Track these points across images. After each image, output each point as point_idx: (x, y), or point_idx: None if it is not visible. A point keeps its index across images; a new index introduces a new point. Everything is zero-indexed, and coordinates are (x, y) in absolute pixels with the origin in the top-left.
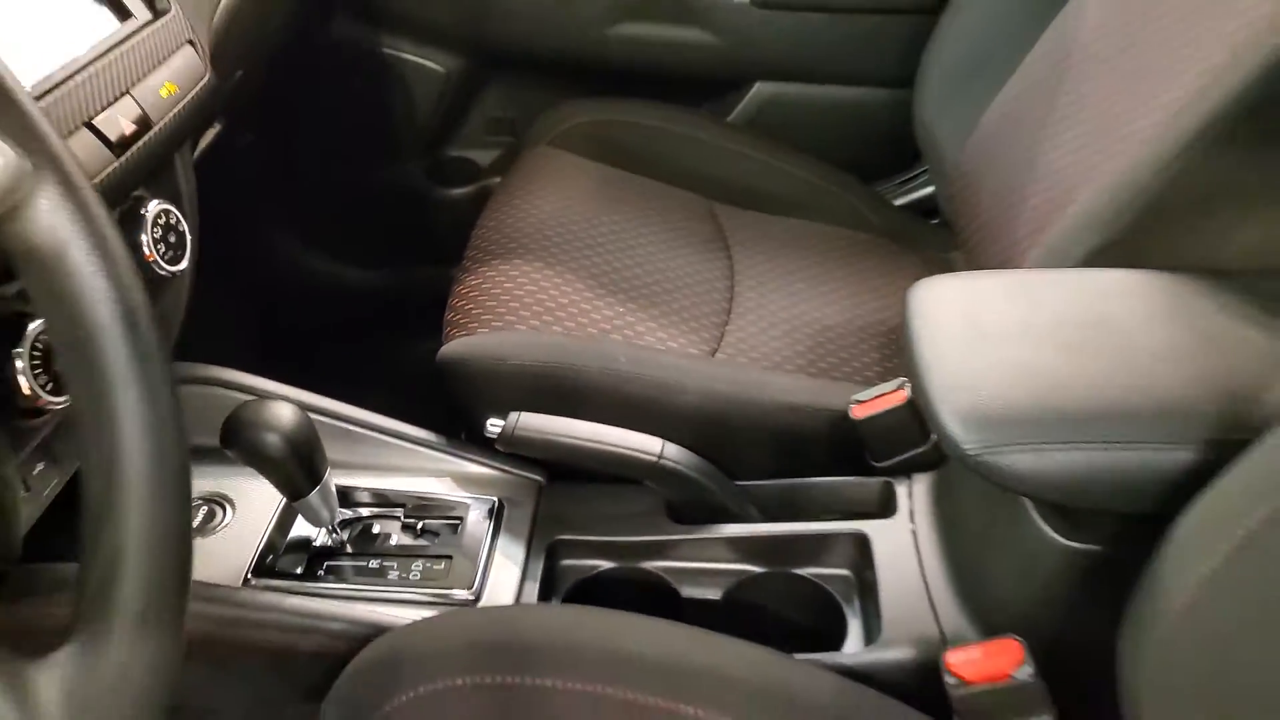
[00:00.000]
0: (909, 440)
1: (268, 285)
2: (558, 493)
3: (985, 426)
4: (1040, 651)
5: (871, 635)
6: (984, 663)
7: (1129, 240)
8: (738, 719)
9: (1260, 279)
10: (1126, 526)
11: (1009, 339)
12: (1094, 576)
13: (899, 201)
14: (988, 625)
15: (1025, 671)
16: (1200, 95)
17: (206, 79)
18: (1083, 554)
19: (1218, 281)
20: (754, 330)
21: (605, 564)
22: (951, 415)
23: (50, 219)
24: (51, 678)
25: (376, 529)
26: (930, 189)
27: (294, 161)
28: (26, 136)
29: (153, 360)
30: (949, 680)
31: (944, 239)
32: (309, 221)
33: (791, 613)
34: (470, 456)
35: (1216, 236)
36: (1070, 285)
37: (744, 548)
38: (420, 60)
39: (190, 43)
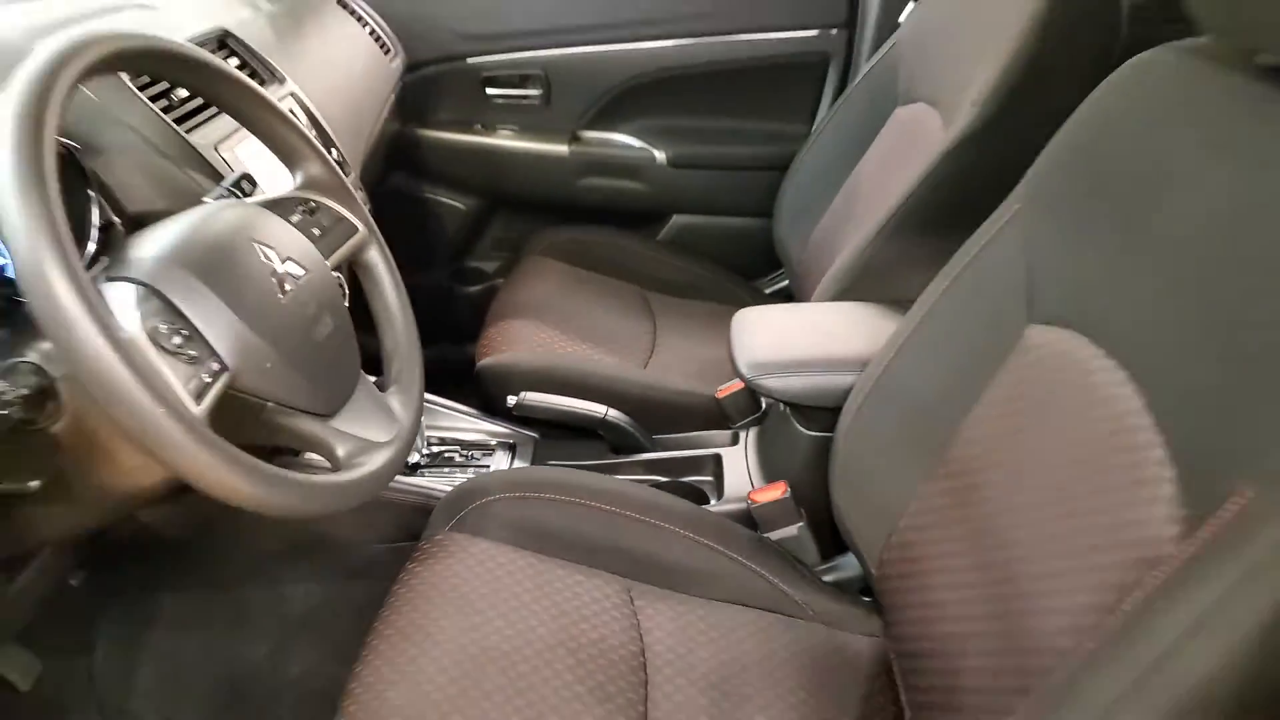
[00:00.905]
0: (749, 409)
1: None
2: (547, 442)
3: (757, 366)
4: (800, 492)
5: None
6: (766, 493)
7: (855, 287)
8: (652, 518)
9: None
10: (834, 419)
11: (778, 330)
12: (822, 448)
13: (767, 291)
14: None
15: (787, 495)
16: (890, 207)
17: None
18: (817, 438)
19: (895, 307)
20: (668, 357)
21: None
22: (742, 361)
23: (375, 254)
24: (392, 401)
25: (445, 455)
26: (786, 283)
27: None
28: (366, 223)
29: (405, 299)
30: (750, 503)
31: None
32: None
33: None
34: (495, 421)
35: (900, 284)
36: (817, 309)
37: (653, 467)
38: (448, 200)
39: (358, 188)
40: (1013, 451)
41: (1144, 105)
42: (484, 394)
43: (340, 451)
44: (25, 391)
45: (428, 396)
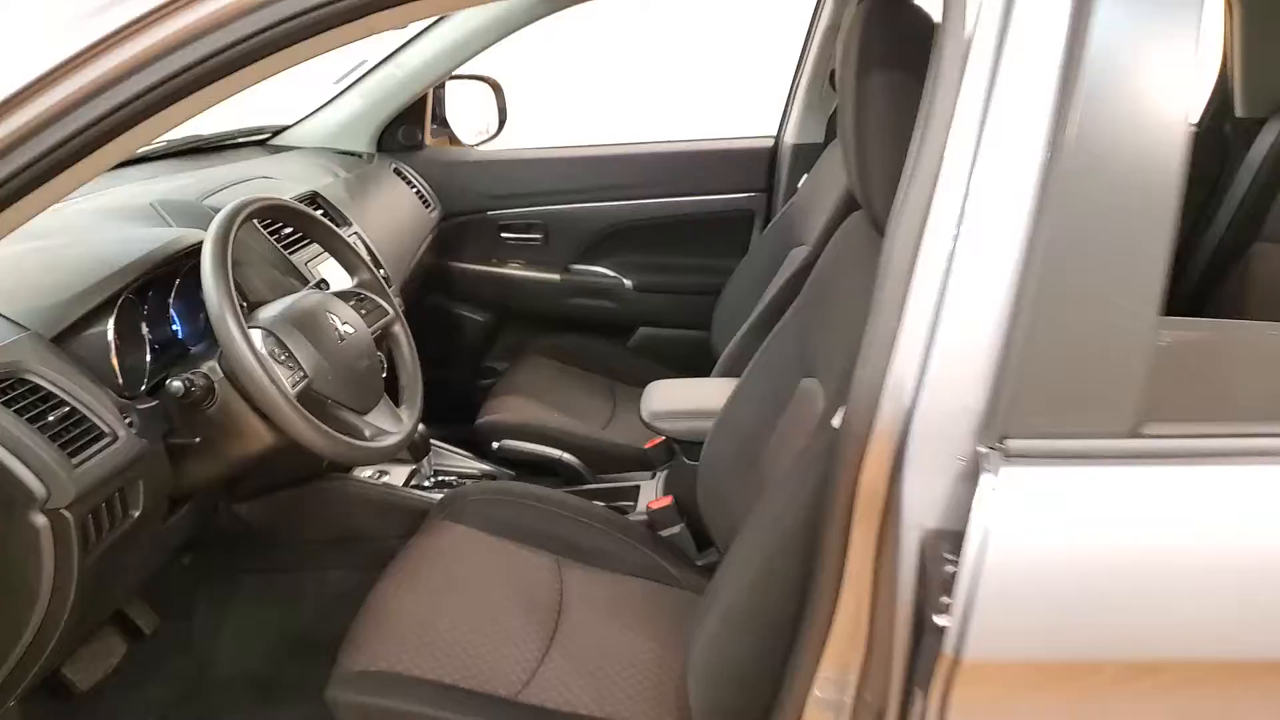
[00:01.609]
0: (667, 457)
1: None
2: (520, 477)
3: (653, 414)
4: (684, 504)
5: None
6: (659, 502)
7: (732, 367)
8: (580, 517)
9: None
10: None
11: (672, 393)
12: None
13: None
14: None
15: (671, 504)
16: (756, 312)
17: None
18: (695, 465)
19: None
20: (618, 425)
21: None
22: (645, 411)
23: (398, 328)
24: (401, 412)
25: (446, 481)
26: None
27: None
28: (395, 310)
29: (415, 354)
30: (648, 510)
31: None
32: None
33: None
34: (484, 461)
35: None
36: (701, 381)
37: (591, 495)
38: (471, 315)
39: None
40: (785, 455)
41: (843, 242)
42: (479, 444)
43: (367, 433)
44: (202, 384)
45: (440, 445)
